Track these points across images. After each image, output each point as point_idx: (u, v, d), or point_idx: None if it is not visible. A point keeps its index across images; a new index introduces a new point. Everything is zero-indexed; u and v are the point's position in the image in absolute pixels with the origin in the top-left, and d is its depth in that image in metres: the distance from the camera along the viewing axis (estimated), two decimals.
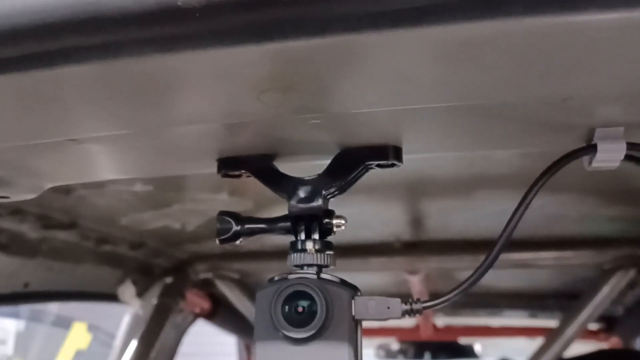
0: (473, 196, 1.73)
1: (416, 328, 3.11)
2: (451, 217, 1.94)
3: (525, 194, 0.68)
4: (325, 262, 0.68)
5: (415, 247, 2.15)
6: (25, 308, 3.81)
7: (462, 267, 2.18)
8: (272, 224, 0.72)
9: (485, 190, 1.69)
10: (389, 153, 0.68)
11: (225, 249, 2.23)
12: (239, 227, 0.72)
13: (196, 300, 2.36)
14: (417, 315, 0.66)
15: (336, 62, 0.46)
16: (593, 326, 2.77)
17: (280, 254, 2.23)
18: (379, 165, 0.70)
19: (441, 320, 3.12)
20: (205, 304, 2.42)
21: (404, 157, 0.69)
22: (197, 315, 2.45)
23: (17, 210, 1.58)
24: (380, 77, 0.49)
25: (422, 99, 0.53)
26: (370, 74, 0.49)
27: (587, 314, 2.11)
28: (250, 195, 1.77)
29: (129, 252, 2.03)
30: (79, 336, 3.77)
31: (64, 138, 0.62)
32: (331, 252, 0.69)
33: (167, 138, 0.66)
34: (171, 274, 2.22)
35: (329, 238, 0.71)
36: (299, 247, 0.69)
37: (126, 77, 0.48)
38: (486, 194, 1.72)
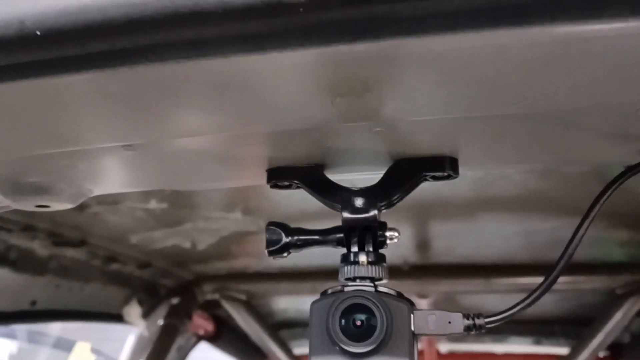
0: (480, 219, 1.72)
1: (420, 354, 3.07)
2: (459, 240, 1.93)
3: (591, 205, 0.66)
4: (379, 275, 0.66)
5: (423, 270, 2.14)
6: (22, 330, 3.74)
7: (472, 290, 2.16)
8: (324, 236, 0.70)
9: (493, 214, 1.68)
10: (446, 164, 0.67)
11: (232, 270, 2.20)
12: (289, 239, 0.70)
13: (201, 322, 2.32)
14: (479, 331, 0.65)
15: (419, 63, 0.46)
16: (600, 353, 2.74)
17: (288, 276, 2.21)
18: (434, 177, 0.68)
19: (445, 347, 3.08)
20: (210, 326, 2.38)
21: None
22: (200, 338, 2.41)
23: (28, 227, 1.56)
24: (458, 81, 0.48)
25: (496, 105, 0.52)
26: (449, 78, 0.48)
27: (599, 341, 2.09)
28: (264, 215, 1.75)
29: (136, 272, 2.01)
30: (82, 357, 3.69)
31: (120, 143, 0.60)
32: (385, 265, 0.68)
33: (221, 146, 0.65)
34: (177, 295, 2.18)
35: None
36: (352, 259, 0.67)
37: (205, 77, 0.47)
38: (493, 217, 1.72)
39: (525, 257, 1.93)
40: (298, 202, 1.45)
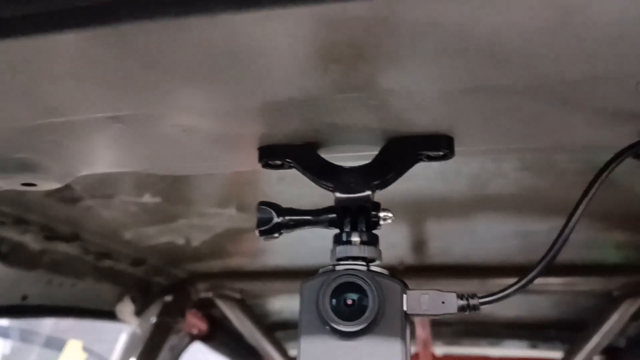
0: (476, 219, 1.71)
1: (415, 357, 3.05)
2: (454, 240, 1.92)
3: (588, 186, 0.65)
4: (372, 256, 0.65)
5: (419, 270, 2.13)
6: (15, 329, 3.71)
7: (469, 291, 2.15)
8: (316, 216, 0.69)
9: (489, 214, 1.67)
10: (441, 143, 0.66)
11: (227, 268, 2.18)
12: (280, 219, 0.69)
13: (194, 321, 2.30)
14: (473, 311, 0.63)
15: (415, 27, 0.44)
16: (595, 358, 2.73)
17: (283, 274, 2.20)
18: (429, 157, 0.67)
19: (440, 350, 3.07)
20: (203, 326, 2.36)
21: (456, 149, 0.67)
22: (194, 337, 2.39)
23: (21, 220, 1.54)
24: (456, 47, 0.47)
25: (494, 75, 0.51)
26: (447, 44, 0.47)
27: (595, 344, 2.08)
28: None
29: (129, 269, 1.99)
30: (73, 355, 3.66)
31: (106, 114, 0.58)
32: (378, 247, 0.66)
33: (211, 122, 0.64)
34: (171, 293, 2.16)
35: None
36: (345, 239, 0.66)
37: (192, 40, 0.46)
38: (489, 217, 1.71)
39: (522, 258, 1.92)
40: (294, 197, 1.43)
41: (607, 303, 2.05)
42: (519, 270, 2.00)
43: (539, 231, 1.74)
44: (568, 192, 1.44)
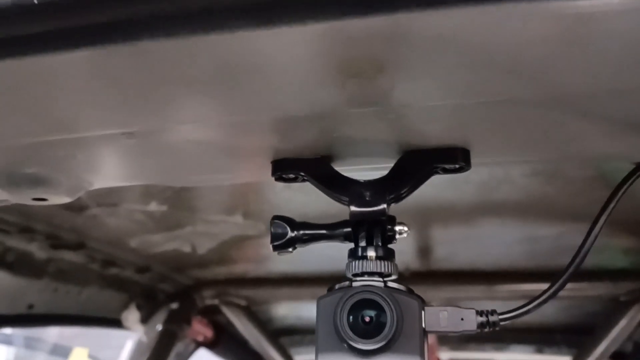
0: (483, 225, 1.70)
1: None
2: (461, 246, 1.91)
3: (609, 198, 0.64)
4: (389, 271, 0.64)
5: (425, 276, 2.11)
6: (20, 336, 3.70)
7: (474, 297, 2.14)
8: (331, 230, 0.68)
9: (496, 219, 1.66)
10: (457, 155, 0.65)
11: (232, 275, 2.18)
12: (294, 234, 0.68)
13: (200, 328, 2.30)
14: (493, 328, 0.62)
15: (437, 41, 0.43)
16: None
17: (288, 281, 2.18)
18: (444, 170, 0.66)
19: (446, 355, 3.05)
20: (209, 332, 2.35)
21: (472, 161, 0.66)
22: (199, 344, 2.38)
23: (26, 229, 1.53)
24: (476, 61, 0.46)
25: (514, 89, 0.50)
26: (467, 58, 0.46)
27: (602, 349, 2.06)
28: (264, 219, 1.73)
29: (135, 276, 1.98)
30: None
31: (121, 130, 0.58)
32: (394, 261, 0.65)
33: (226, 136, 0.63)
34: (177, 300, 2.16)
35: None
36: (360, 254, 0.65)
37: (211, 57, 0.45)
38: (496, 223, 1.70)
39: (528, 264, 1.91)
40: (300, 205, 1.43)
41: (615, 308, 2.04)
42: (526, 276, 1.99)
43: (546, 237, 1.73)
44: (576, 199, 1.43)
